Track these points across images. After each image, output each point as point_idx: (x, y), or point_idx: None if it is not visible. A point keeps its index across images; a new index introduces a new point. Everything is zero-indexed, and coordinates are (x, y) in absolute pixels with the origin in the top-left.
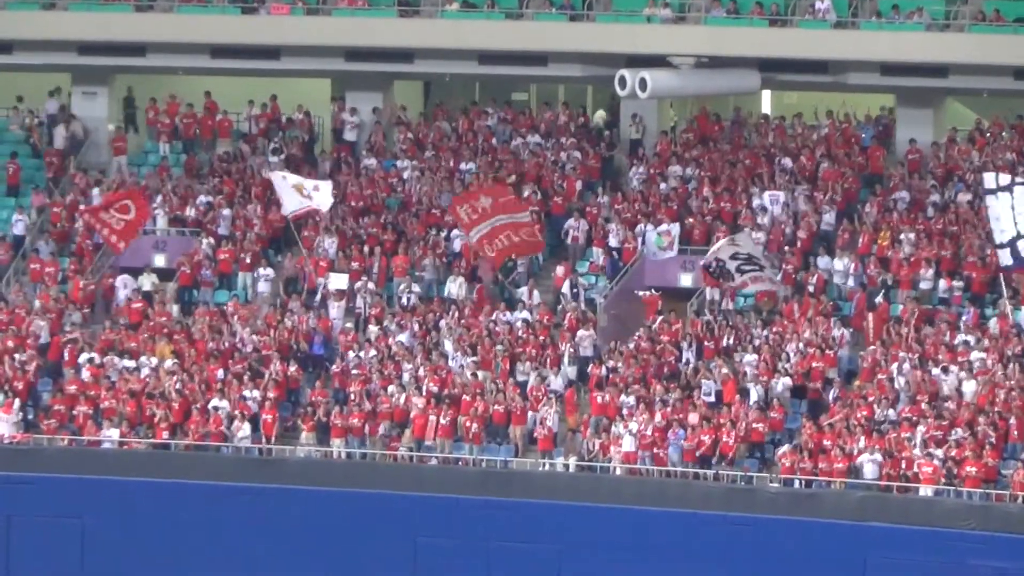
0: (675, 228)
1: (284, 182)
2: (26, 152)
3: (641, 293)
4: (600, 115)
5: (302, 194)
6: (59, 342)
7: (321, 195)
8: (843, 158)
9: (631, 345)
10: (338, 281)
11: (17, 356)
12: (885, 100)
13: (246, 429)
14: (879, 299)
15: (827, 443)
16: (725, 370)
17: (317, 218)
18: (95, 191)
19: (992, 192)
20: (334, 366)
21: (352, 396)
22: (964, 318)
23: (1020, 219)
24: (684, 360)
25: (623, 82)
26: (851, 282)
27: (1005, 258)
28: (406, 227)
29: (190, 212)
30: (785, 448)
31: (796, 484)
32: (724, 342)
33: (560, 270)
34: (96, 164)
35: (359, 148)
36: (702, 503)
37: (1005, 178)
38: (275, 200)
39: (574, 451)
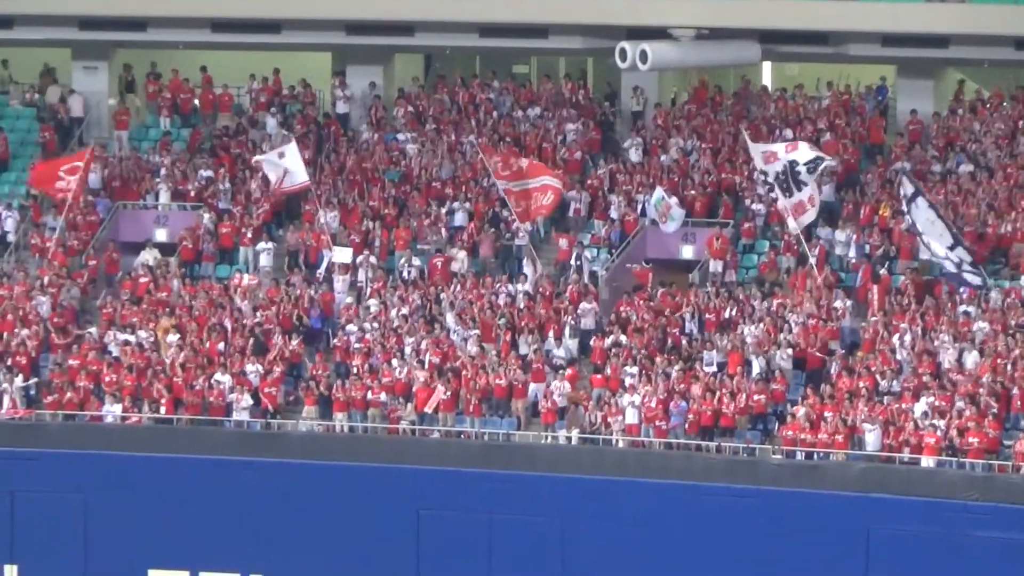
0: (674, 202)
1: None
2: (22, 127)
3: (632, 266)
4: None
5: (280, 168)
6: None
7: (289, 159)
8: (844, 129)
9: (623, 311)
10: (342, 255)
11: (18, 331)
12: (883, 71)
13: (247, 402)
14: (882, 271)
15: (828, 414)
16: (727, 342)
17: (309, 191)
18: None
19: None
20: (335, 340)
21: (354, 369)
22: (962, 288)
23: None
24: (686, 332)
25: (623, 54)
26: (852, 253)
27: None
28: (407, 200)
29: (191, 186)
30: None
31: (798, 456)
32: (726, 314)
33: (564, 243)
34: (97, 139)
35: (353, 121)
36: (704, 475)
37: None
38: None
39: (576, 423)
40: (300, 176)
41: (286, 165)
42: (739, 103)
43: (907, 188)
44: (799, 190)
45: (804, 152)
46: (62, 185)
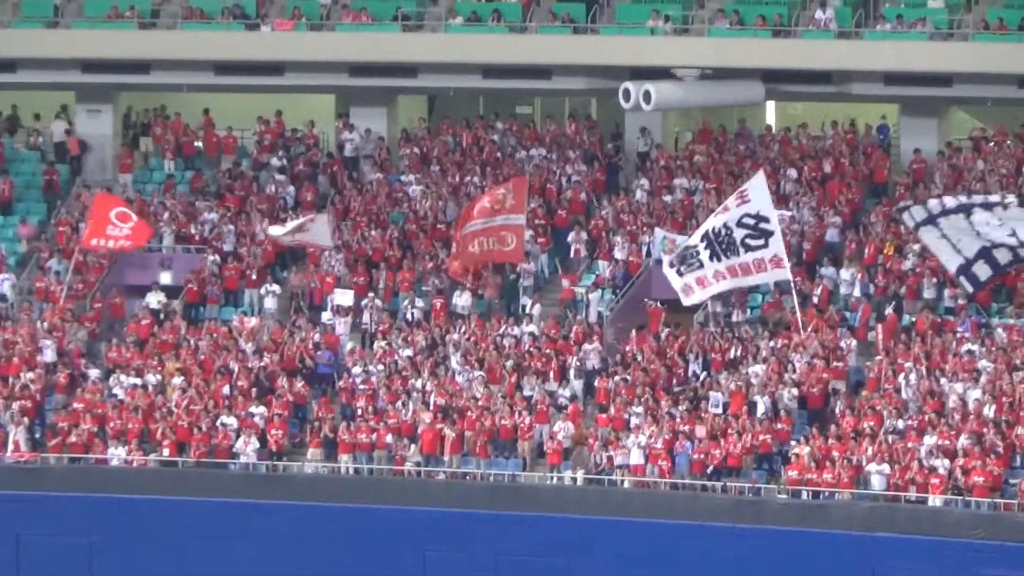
0: (678, 240)
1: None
2: (27, 170)
3: (648, 302)
4: None
5: (302, 231)
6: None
7: (317, 227)
8: (848, 168)
9: (628, 348)
10: (344, 297)
11: (24, 375)
12: (886, 110)
13: (254, 444)
14: (888, 310)
15: (835, 454)
16: (733, 383)
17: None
18: None
19: (919, 226)
20: (340, 382)
21: (359, 411)
22: (961, 328)
23: (960, 245)
24: (691, 372)
25: (627, 95)
26: (857, 292)
27: (967, 286)
28: (412, 242)
29: (195, 229)
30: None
31: (804, 495)
32: (731, 354)
33: (567, 283)
34: (101, 182)
35: (359, 164)
36: (710, 515)
37: (921, 212)
38: (281, 219)
39: (582, 464)
40: (324, 240)
41: (314, 233)
42: (740, 141)
43: (918, 213)
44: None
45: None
46: (116, 232)
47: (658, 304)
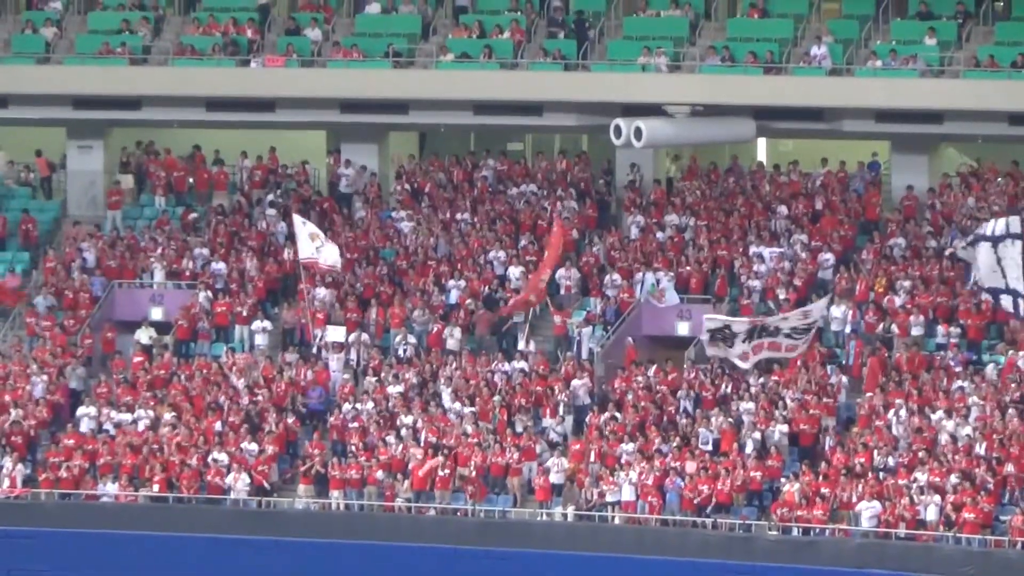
0: (665, 281)
1: (303, 227)
2: (18, 206)
3: (628, 341)
4: None
5: (313, 244)
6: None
7: (327, 251)
8: (839, 205)
9: (616, 384)
10: (335, 333)
11: (14, 412)
12: (876, 147)
13: (244, 480)
14: (878, 346)
15: (825, 491)
16: (723, 420)
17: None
18: (84, 244)
19: (980, 241)
20: (332, 418)
21: (350, 448)
22: (952, 363)
23: (1008, 272)
24: (682, 409)
25: (619, 131)
26: (848, 329)
27: (1007, 304)
28: (403, 278)
29: (187, 265)
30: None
31: (794, 532)
32: (721, 390)
33: (559, 319)
34: (92, 218)
35: (352, 200)
36: (701, 551)
37: (991, 227)
38: (272, 252)
39: (572, 500)
40: (335, 261)
41: (324, 255)
42: (732, 179)
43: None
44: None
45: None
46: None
47: (631, 341)
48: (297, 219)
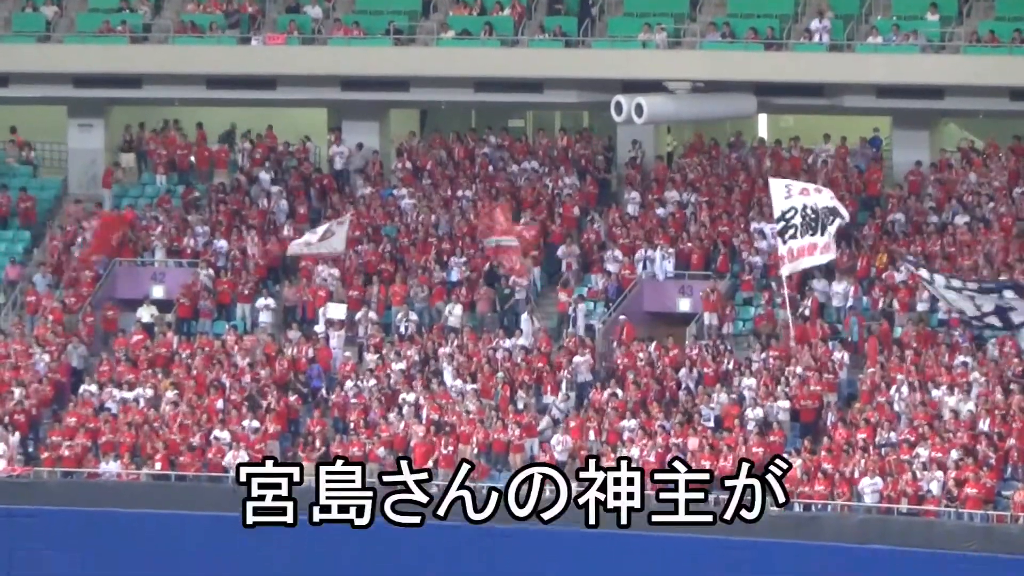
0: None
1: (308, 248)
2: (18, 184)
3: (622, 318)
4: None
5: (327, 237)
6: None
7: (337, 238)
8: (841, 181)
9: (618, 361)
10: (337, 311)
11: (17, 391)
12: (878, 123)
13: (245, 459)
14: (881, 322)
15: (827, 466)
16: (725, 396)
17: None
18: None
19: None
20: (333, 396)
21: (352, 425)
22: (959, 339)
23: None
24: (684, 386)
25: (619, 108)
26: (850, 305)
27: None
28: (404, 255)
29: (188, 243)
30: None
31: (796, 507)
32: (724, 367)
33: (563, 296)
34: (94, 196)
35: (350, 177)
36: (702, 527)
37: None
38: (273, 231)
39: (574, 477)
40: (339, 247)
41: (332, 241)
42: (735, 156)
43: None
44: (820, 233)
45: (824, 198)
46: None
47: (624, 318)
48: (296, 247)
